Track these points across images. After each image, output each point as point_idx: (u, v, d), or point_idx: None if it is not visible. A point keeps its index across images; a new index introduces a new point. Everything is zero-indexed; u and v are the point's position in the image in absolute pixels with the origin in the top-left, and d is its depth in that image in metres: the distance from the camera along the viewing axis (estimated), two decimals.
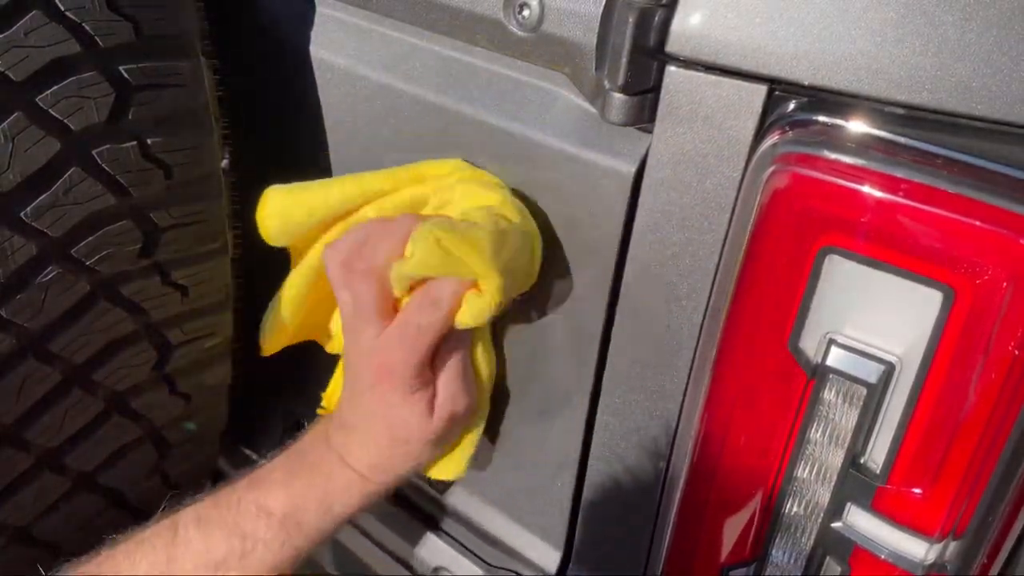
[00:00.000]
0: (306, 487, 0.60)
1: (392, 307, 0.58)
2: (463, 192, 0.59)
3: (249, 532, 0.58)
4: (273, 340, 0.67)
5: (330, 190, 0.62)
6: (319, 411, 0.70)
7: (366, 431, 0.60)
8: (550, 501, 0.70)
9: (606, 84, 0.47)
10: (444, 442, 0.62)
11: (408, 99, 0.61)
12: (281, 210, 0.62)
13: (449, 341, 0.58)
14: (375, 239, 0.57)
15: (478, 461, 0.75)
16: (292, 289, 0.65)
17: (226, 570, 0.57)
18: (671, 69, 0.47)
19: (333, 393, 0.70)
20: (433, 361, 0.58)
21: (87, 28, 0.53)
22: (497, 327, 0.66)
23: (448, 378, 0.59)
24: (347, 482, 0.61)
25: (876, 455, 0.46)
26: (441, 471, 0.65)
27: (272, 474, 0.61)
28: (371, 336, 0.57)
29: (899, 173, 0.40)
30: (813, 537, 0.50)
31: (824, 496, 0.49)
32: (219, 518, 0.58)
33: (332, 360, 0.69)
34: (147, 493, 0.74)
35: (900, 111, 0.42)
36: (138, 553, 0.57)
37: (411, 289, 0.57)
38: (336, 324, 0.68)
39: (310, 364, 0.73)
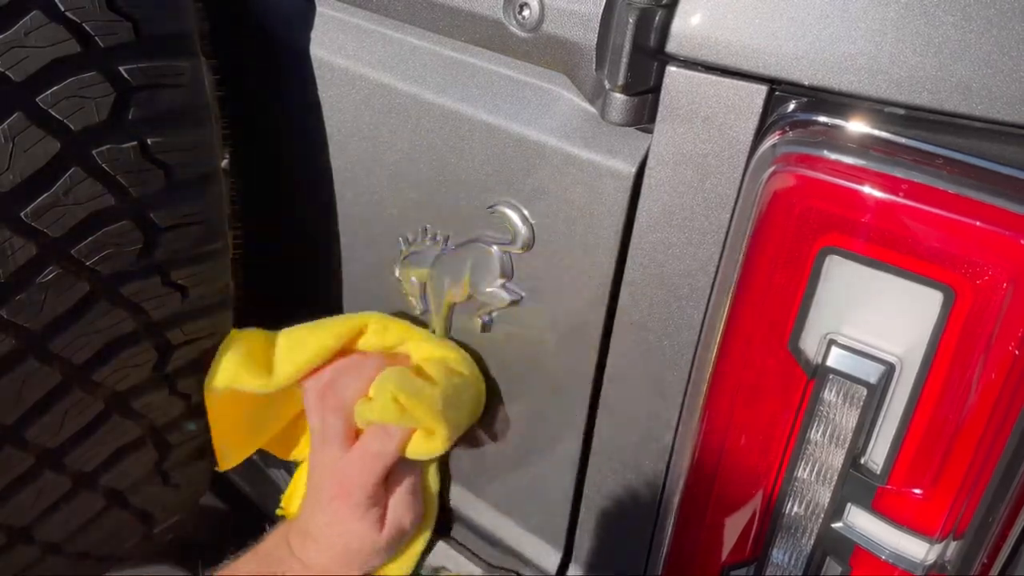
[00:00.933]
0: None
1: (355, 434, 0.68)
2: (420, 340, 0.69)
3: None
4: (232, 456, 0.75)
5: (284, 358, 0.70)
6: (278, 511, 0.80)
7: (323, 539, 0.68)
8: (550, 501, 0.70)
9: (606, 84, 0.47)
10: (393, 550, 0.71)
11: (408, 99, 0.61)
12: (233, 377, 0.68)
13: (401, 465, 0.68)
14: (346, 377, 0.67)
15: (478, 461, 0.75)
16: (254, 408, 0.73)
17: None
18: (671, 69, 0.47)
19: (291, 496, 0.79)
20: (386, 482, 0.68)
21: (87, 28, 0.52)
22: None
23: (398, 498, 0.69)
24: None
25: (876, 455, 0.46)
26: (392, 570, 0.73)
27: (238, 571, 0.68)
28: (335, 457, 0.67)
29: (899, 173, 0.40)
30: (813, 537, 0.50)
31: (824, 496, 0.49)
32: None
33: None
34: (147, 493, 0.74)
35: (900, 111, 0.42)
36: None
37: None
38: (295, 438, 0.79)
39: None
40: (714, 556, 0.55)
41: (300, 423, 0.78)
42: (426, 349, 0.69)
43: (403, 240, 0.68)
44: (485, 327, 0.66)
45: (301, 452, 0.80)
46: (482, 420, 0.71)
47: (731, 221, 0.48)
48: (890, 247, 0.41)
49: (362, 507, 0.66)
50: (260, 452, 0.79)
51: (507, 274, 0.62)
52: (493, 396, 0.70)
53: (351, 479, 0.66)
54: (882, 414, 0.45)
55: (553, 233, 0.57)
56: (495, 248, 0.61)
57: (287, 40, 0.68)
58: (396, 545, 0.70)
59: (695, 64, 0.46)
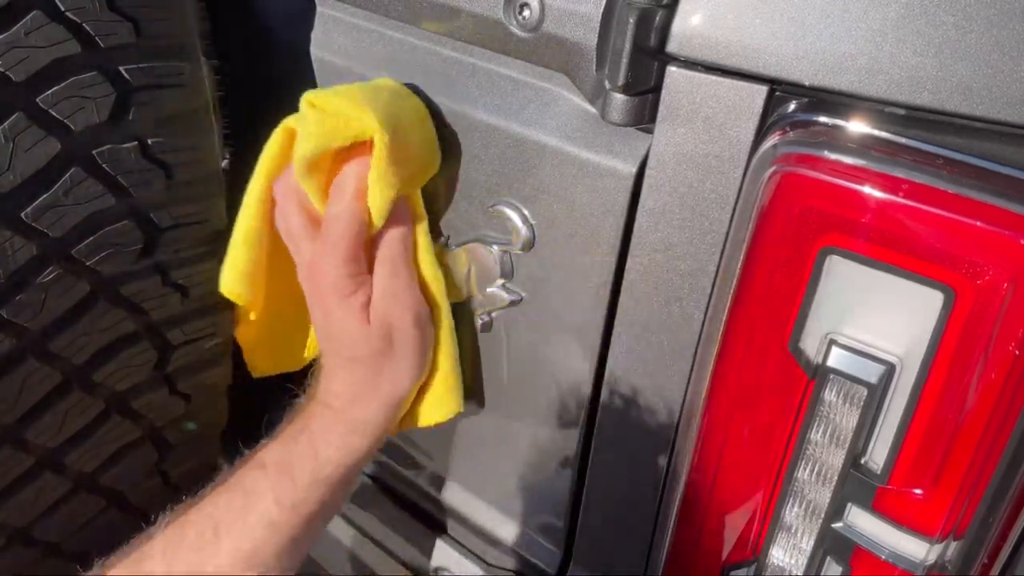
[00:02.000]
0: (292, 435, 0.61)
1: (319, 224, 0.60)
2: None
3: (248, 487, 0.58)
4: (236, 284, 0.65)
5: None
6: None
7: (324, 356, 0.62)
8: (550, 501, 0.70)
9: (606, 84, 0.47)
10: (398, 359, 0.61)
11: None
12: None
13: (380, 246, 0.60)
14: (287, 177, 0.60)
15: (479, 461, 0.75)
16: (243, 224, 0.65)
17: (227, 527, 0.57)
18: (672, 69, 0.47)
19: None
20: (370, 268, 0.60)
21: (87, 28, 0.53)
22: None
23: (380, 278, 0.60)
24: (325, 421, 0.61)
25: (877, 455, 0.46)
26: (430, 413, 0.66)
27: (277, 432, 0.62)
28: (307, 252, 0.60)
29: (900, 173, 0.40)
30: (814, 537, 0.50)
31: (825, 496, 0.49)
32: (227, 478, 0.60)
33: None
34: (147, 493, 0.74)
35: (900, 111, 0.42)
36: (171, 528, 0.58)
37: None
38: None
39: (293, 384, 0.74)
40: (714, 556, 0.55)
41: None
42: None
43: None
44: (485, 327, 0.66)
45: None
46: (482, 420, 0.71)
47: (731, 221, 0.48)
48: (890, 247, 0.41)
49: (341, 291, 0.59)
50: None
51: (507, 274, 0.62)
52: (493, 396, 0.70)
53: (322, 261, 0.58)
54: (882, 414, 0.45)
55: (553, 233, 0.57)
56: (495, 248, 0.61)
57: (287, 40, 0.68)
58: (397, 351, 0.61)
59: (695, 64, 0.46)
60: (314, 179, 0.58)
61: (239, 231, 0.64)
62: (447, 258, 0.65)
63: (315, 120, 0.56)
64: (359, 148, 0.57)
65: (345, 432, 0.61)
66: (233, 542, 0.56)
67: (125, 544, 0.57)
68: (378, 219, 0.58)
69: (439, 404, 0.66)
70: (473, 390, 0.71)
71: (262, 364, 0.74)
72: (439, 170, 0.62)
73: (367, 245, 0.60)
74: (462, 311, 0.67)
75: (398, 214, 0.60)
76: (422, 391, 0.66)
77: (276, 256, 0.65)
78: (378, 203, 0.57)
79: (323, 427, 0.61)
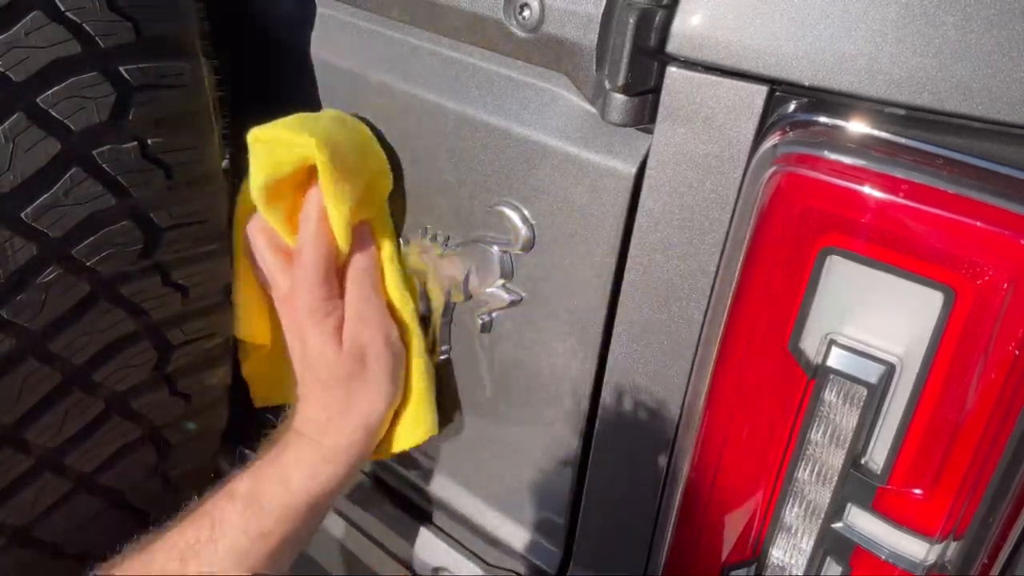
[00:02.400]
0: (266, 464, 0.61)
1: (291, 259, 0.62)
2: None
3: (217, 517, 0.58)
4: (251, 327, 0.71)
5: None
6: None
7: (301, 383, 0.62)
8: (550, 501, 0.70)
9: (606, 84, 0.47)
10: (371, 381, 0.63)
11: (408, 99, 0.61)
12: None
13: (348, 270, 0.62)
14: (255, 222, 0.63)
15: (478, 461, 0.75)
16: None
17: (194, 555, 0.56)
18: (672, 70, 0.47)
19: None
20: (341, 293, 0.62)
21: (87, 28, 0.52)
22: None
23: (351, 301, 0.62)
24: (299, 450, 0.61)
25: (877, 456, 0.46)
26: (405, 436, 0.67)
27: (249, 463, 0.63)
28: (283, 284, 0.62)
29: (899, 174, 0.40)
30: (814, 537, 0.50)
31: (825, 496, 0.49)
32: (196, 508, 0.60)
33: None
34: (147, 494, 0.74)
35: (900, 112, 0.42)
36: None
37: None
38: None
39: (272, 414, 0.75)
40: (714, 556, 0.55)
41: None
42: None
43: (403, 240, 0.68)
44: (485, 327, 0.66)
45: None
46: (482, 420, 0.71)
47: (731, 221, 0.48)
48: (890, 247, 0.41)
49: (315, 315, 0.61)
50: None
51: (507, 274, 0.62)
52: (493, 396, 0.70)
53: (297, 288, 0.61)
54: (882, 414, 0.45)
55: (553, 233, 0.57)
56: (495, 248, 0.61)
57: (287, 40, 0.68)
58: (369, 375, 0.63)
59: (695, 64, 0.46)
60: (276, 211, 0.62)
61: (238, 279, 0.68)
62: (446, 258, 0.65)
63: (263, 152, 0.59)
64: (315, 177, 0.60)
65: (318, 461, 0.61)
66: (200, 571, 0.56)
67: (103, 562, 0.57)
68: (341, 239, 0.60)
69: (414, 426, 0.67)
70: (473, 390, 0.71)
71: (263, 395, 0.78)
72: (393, 192, 0.65)
73: (339, 271, 0.62)
74: (461, 311, 0.67)
75: (363, 238, 0.63)
76: (396, 415, 0.68)
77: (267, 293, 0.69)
78: (337, 221, 0.60)
79: (296, 456, 0.61)
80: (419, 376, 0.67)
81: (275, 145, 0.59)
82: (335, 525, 0.85)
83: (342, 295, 0.62)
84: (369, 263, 0.63)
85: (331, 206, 0.59)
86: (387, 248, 0.66)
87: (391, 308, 0.66)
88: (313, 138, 0.57)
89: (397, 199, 0.66)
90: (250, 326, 0.71)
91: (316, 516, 0.63)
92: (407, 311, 0.66)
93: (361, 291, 0.63)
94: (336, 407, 0.62)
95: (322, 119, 0.62)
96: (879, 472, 0.46)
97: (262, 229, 0.64)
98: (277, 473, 0.61)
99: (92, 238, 0.56)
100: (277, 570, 0.61)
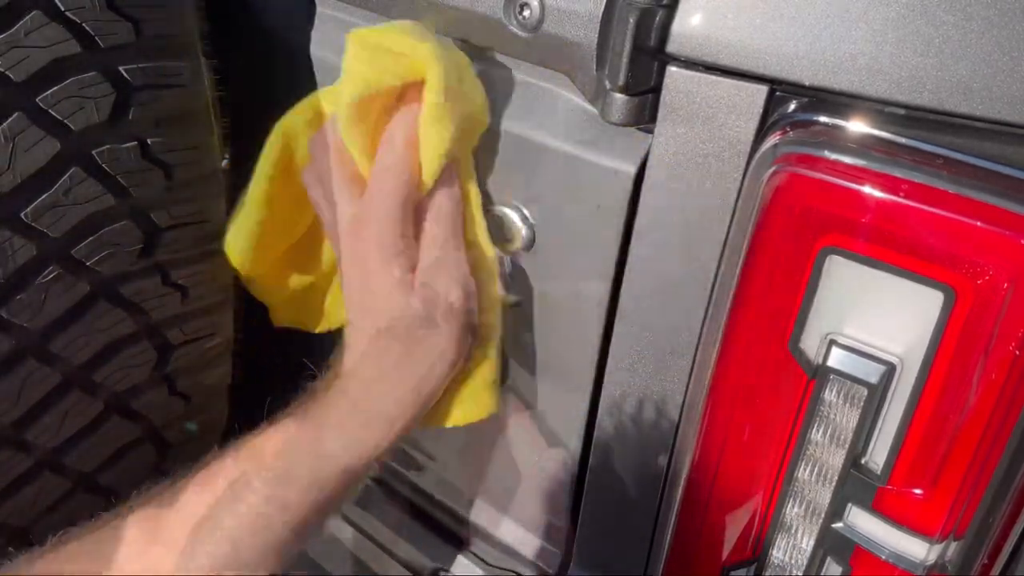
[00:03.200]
0: (298, 422, 0.53)
1: (362, 183, 0.55)
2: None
3: (237, 480, 0.51)
4: (243, 253, 0.62)
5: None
6: None
7: (352, 330, 0.54)
8: (550, 501, 0.70)
9: (607, 84, 0.47)
10: (437, 338, 0.53)
11: None
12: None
13: (429, 210, 0.54)
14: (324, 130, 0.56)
15: (478, 461, 0.75)
16: (257, 188, 0.61)
17: (209, 523, 0.50)
18: (672, 69, 0.47)
19: None
20: (417, 236, 0.54)
21: (87, 28, 0.53)
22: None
23: (429, 245, 0.54)
24: (339, 412, 0.53)
25: (877, 456, 0.46)
26: (462, 410, 0.58)
27: (279, 419, 0.55)
28: (346, 212, 0.54)
29: (900, 173, 0.40)
30: (814, 537, 0.50)
31: (825, 496, 0.49)
32: (212, 464, 0.53)
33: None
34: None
35: (901, 111, 0.42)
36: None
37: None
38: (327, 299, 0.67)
39: (313, 363, 0.73)
40: (714, 556, 0.55)
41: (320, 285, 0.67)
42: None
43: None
44: None
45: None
46: (482, 420, 0.71)
47: (731, 221, 0.48)
48: (890, 247, 0.41)
49: (385, 254, 0.52)
50: None
51: (507, 275, 0.62)
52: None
53: (367, 220, 0.52)
54: (883, 414, 0.45)
55: (553, 233, 0.57)
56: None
57: (287, 40, 0.68)
58: (435, 323, 0.53)
59: (695, 64, 0.46)
60: (359, 131, 0.53)
61: (256, 203, 0.61)
62: None
63: (365, 59, 0.51)
64: (409, 96, 0.53)
65: (359, 425, 0.53)
66: (213, 542, 0.50)
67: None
68: (429, 172, 0.52)
69: (474, 401, 0.58)
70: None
71: (281, 315, 0.69)
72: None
73: (416, 209, 0.54)
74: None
75: (448, 178, 0.55)
76: (455, 384, 0.58)
77: (292, 219, 0.62)
78: (433, 149, 0.51)
79: (335, 419, 0.53)
80: (492, 342, 0.58)
81: (380, 53, 0.51)
82: (336, 525, 0.85)
83: (417, 236, 0.54)
84: (454, 206, 0.55)
85: (431, 130, 0.51)
86: (474, 195, 0.56)
87: (471, 259, 0.56)
88: (431, 50, 0.50)
89: None
90: (240, 245, 0.62)
91: (349, 488, 0.54)
92: (488, 265, 0.57)
93: (443, 236, 0.54)
94: (391, 363, 0.53)
95: (428, 33, 0.53)
96: (879, 472, 0.46)
97: (331, 147, 0.55)
98: (310, 436, 0.52)
99: (92, 238, 0.57)
100: (299, 543, 0.53)
